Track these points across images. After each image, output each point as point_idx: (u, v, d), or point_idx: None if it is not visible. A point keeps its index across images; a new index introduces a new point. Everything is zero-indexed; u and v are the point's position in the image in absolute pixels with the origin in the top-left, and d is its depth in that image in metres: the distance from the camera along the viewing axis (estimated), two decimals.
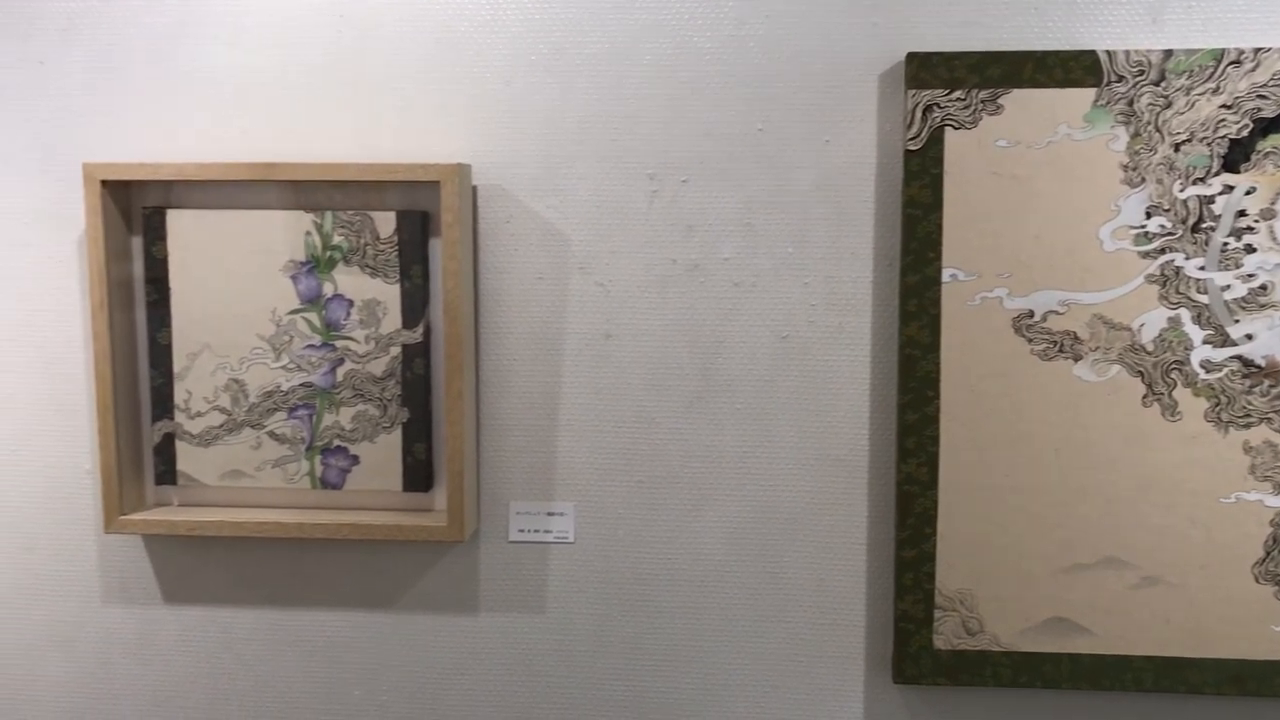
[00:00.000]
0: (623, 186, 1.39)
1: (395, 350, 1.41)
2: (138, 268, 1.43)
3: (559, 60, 1.38)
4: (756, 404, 1.40)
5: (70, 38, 1.43)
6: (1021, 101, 1.30)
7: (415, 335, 1.41)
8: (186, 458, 1.44)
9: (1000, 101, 1.31)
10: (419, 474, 1.43)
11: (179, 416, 1.43)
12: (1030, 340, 1.33)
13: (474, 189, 1.41)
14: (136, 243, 1.43)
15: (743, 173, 1.37)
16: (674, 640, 1.45)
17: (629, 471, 1.43)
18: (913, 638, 1.38)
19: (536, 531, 1.45)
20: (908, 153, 1.32)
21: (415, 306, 1.41)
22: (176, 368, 1.42)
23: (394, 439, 1.43)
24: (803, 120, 1.36)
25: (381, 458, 1.43)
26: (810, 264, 1.38)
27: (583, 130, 1.39)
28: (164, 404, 1.43)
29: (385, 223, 1.39)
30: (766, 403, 1.40)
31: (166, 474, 1.45)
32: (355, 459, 1.43)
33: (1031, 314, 1.33)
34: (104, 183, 1.37)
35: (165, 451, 1.44)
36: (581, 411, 1.43)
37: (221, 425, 1.43)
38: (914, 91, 1.31)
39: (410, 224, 1.39)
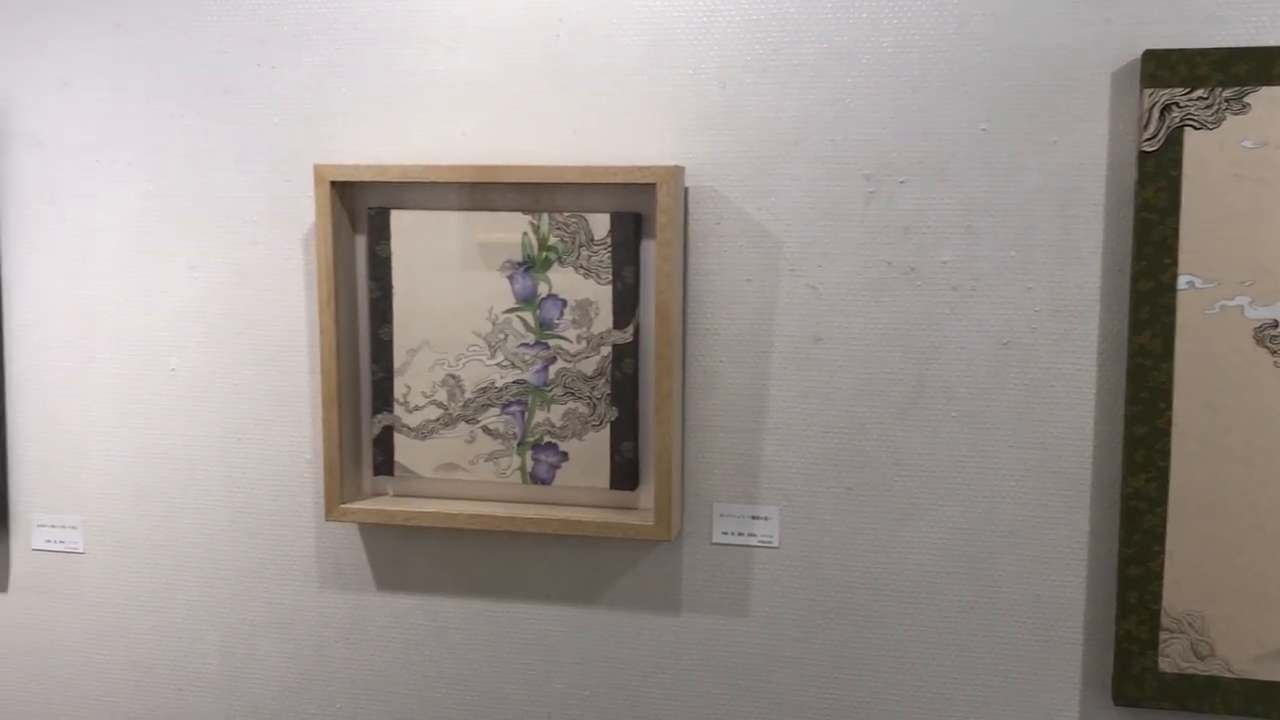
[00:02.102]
0: (838, 187, 1.42)
1: (606, 350, 1.48)
2: (361, 266, 1.53)
3: (775, 61, 1.42)
4: (973, 412, 1.41)
5: (301, 43, 1.54)
6: (1271, 100, 1.28)
7: (625, 335, 1.47)
8: (404, 450, 1.53)
9: (1246, 100, 1.28)
10: (626, 472, 1.49)
11: (398, 410, 1.53)
12: (1273, 351, 1.31)
13: (685, 190, 1.46)
14: (360, 241, 1.53)
15: (964, 173, 1.38)
16: (881, 650, 1.47)
17: (837, 477, 1.46)
18: (1135, 659, 1.36)
19: (740, 534, 1.49)
20: (1143, 154, 1.31)
21: (626, 307, 1.47)
22: (397, 363, 1.52)
23: (602, 437, 1.49)
24: (1029, 120, 1.36)
25: (590, 455, 1.49)
26: (1034, 268, 1.38)
27: (798, 131, 1.42)
28: (384, 397, 1.53)
29: (599, 224, 1.46)
30: (984, 411, 1.41)
31: (384, 465, 1.55)
32: (564, 455, 1.50)
33: (1276, 324, 1.30)
34: (332, 183, 1.48)
35: (384, 443, 1.54)
36: (788, 415, 1.46)
37: (438, 419, 1.52)
38: (1151, 90, 1.30)
39: (624, 225, 1.45)
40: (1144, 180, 1.31)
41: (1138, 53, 1.33)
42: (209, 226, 1.59)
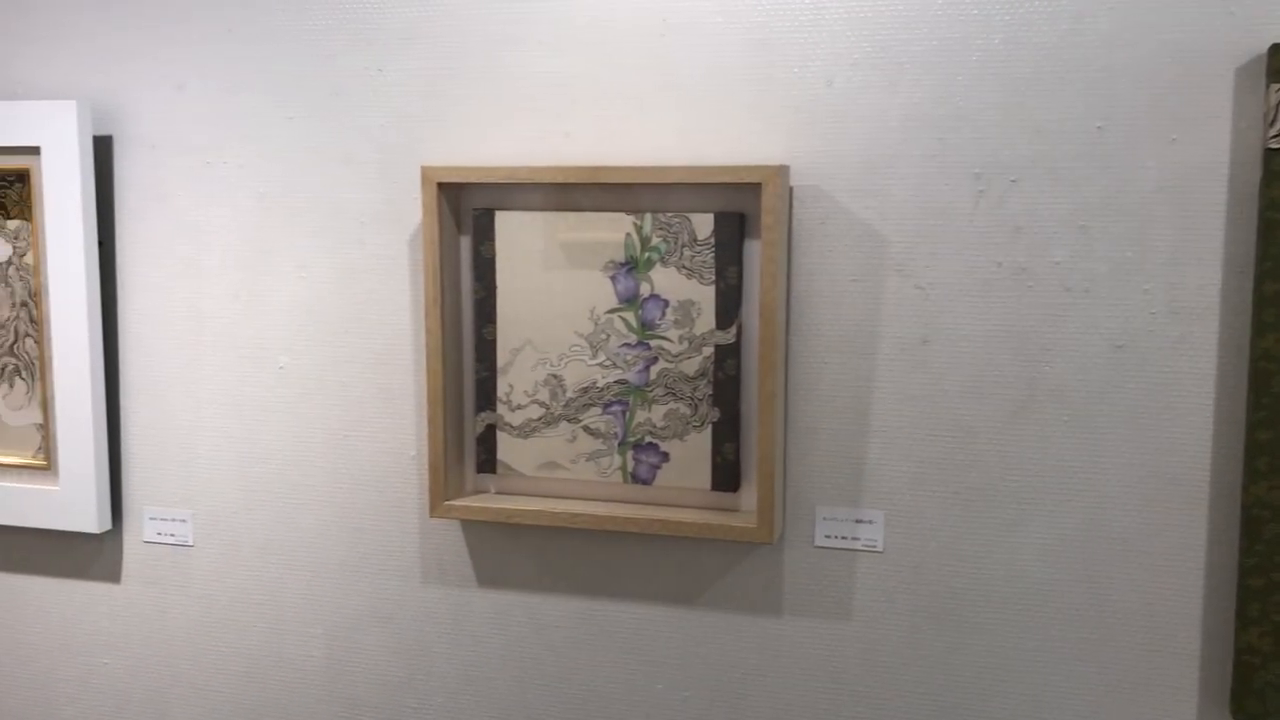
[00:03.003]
0: (946, 186, 1.41)
1: (708, 350, 1.49)
2: (466, 266, 1.57)
3: (883, 58, 1.42)
4: (1086, 416, 1.40)
5: (407, 46, 1.58)
6: None
7: (728, 336, 1.48)
8: (506, 448, 1.57)
9: None
10: (727, 474, 1.51)
11: (500, 409, 1.56)
12: None
13: (790, 189, 1.46)
14: (465, 242, 1.56)
15: (1078, 173, 1.37)
16: (987, 658, 1.47)
17: (943, 482, 1.45)
18: (1257, 672, 1.34)
19: (844, 538, 1.50)
20: (1269, 151, 1.29)
21: (729, 307, 1.48)
22: (500, 362, 1.55)
23: (704, 438, 1.51)
24: (1147, 118, 1.35)
25: (691, 456, 1.51)
26: (1151, 269, 1.36)
27: (906, 129, 1.42)
28: (487, 396, 1.57)
29: (703, 224, 1.47)
30: (1097, 415, 1.39)
31: (487, 463, 1.58)
32: (665, 456, 1.52)
33: None
34: (439, 185, 1.52)
35: (487, 441, 1.58)
36: (893, 418, 1.46)
37: (540, 418, 1.55)
38: (1278, 85, 1.28)
39: (727, 225, 1.47)
40: (1270, 178, 1.29)
41: (1263, 46, 1.30)
42: (317, 227, 1.64)
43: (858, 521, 1.49)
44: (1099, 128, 1.36)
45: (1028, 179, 1.39)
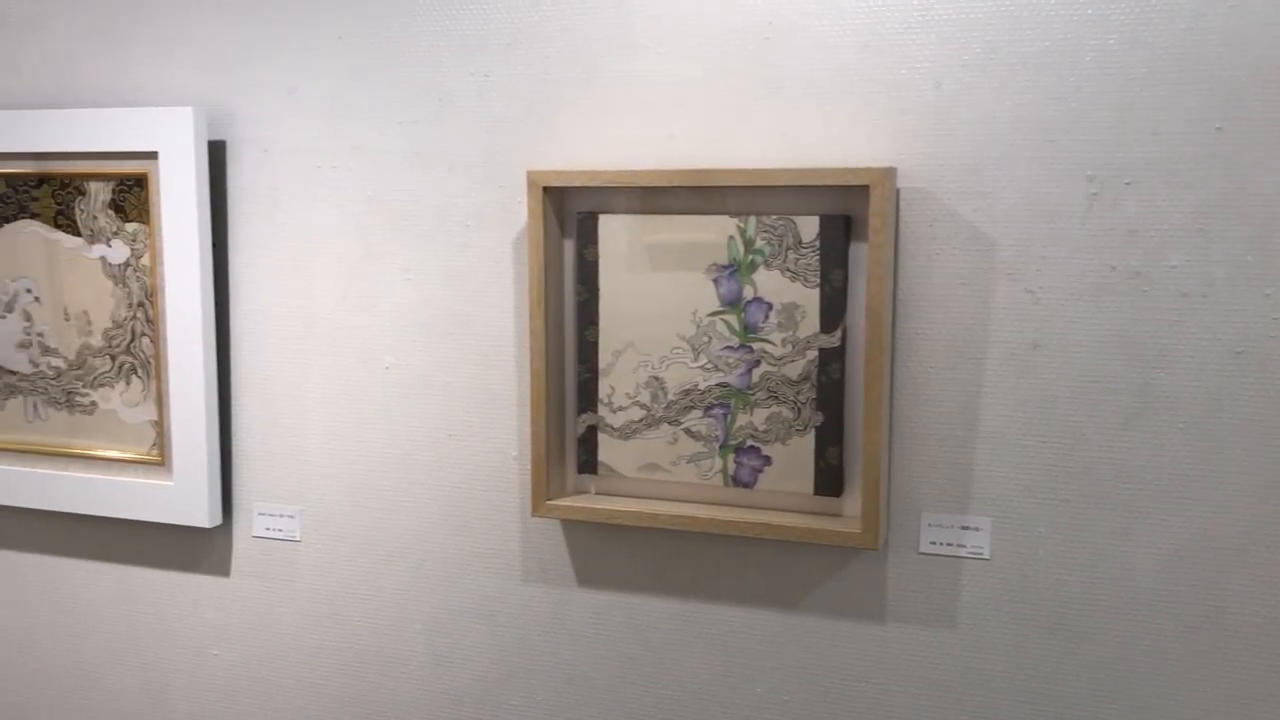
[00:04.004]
0: (1058, 189, 1.41)
1: (812, 354, 1.51)
2: (569, 269, 1.60)
3: (993, 59, 1.42)
4: (1203, 424, 1.38)
5: (512, 52, 1.62)
6: None
7: (833, 340, 1.50)
8: (607, 449, 1.60)
9: None
10: (830, 478, 1.52)
11: (602, 410, 1.59)
12: None
13: (897, 191, 1.47)
14: (569, 245, 1.60)
15: (1196, 174, 1.36)
16: (1097, 670, 1.46)
17: (1053, 489, 1.45)
18: None
19: (949, 545, 1.50)
20: None
21: (833, 311, 1.49)
22: (602, 364, 1.59)
23: (806, 442, 1.52)
24: (1269, 118, 1.33)
25: (793, 460, 1.53)
26: (1274, 273, 1.34)
27: (1016, 131, 1.42)
28: (588, 397, 1.60)
29: (808, 227, 1.49)
30: (1215, 423, 1.38)
31: (588, 463, 1.61)
32: (767, 459, 1.54)
33: None
34: (544, 188, 1.55)
35: (588, 442, 1.61)
36: (1002, 423, 1.46)
37: (641, 420, 1.58)
38: None
39: (832, 228, 1.48)
40: None
41: None
42: (424, 230, 1.69)
43: (964, 528, 1.49)
44: (1218, 129, 1.35)
45: (1143, 181, 1.38)
